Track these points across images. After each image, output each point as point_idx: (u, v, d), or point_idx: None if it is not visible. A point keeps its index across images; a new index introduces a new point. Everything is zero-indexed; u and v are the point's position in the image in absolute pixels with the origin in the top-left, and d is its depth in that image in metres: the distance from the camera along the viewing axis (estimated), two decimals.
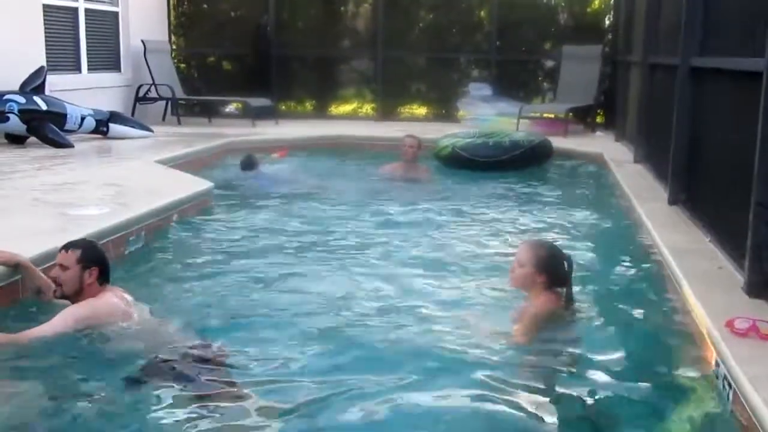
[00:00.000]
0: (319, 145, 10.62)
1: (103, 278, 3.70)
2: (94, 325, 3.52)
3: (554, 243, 4.06)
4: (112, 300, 3.65)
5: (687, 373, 3.27)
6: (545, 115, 12.07)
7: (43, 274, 3.91)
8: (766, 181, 3.60)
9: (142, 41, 11.83)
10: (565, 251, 3.91)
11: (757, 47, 3.74)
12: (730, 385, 2.87)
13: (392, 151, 8.85)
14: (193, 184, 6.72)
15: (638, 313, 4.01)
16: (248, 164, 8.27)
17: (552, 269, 3.73)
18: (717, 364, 3.07)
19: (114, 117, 9.86)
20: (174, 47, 13.48)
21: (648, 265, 4.79)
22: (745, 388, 2.71)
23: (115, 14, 11.94)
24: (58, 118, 8.96)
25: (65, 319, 3.50)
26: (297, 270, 4.90)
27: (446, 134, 9.52)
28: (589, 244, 5.53)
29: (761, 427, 2.50)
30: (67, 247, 3.70)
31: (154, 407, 2.93)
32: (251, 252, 5.38)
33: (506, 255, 5.15)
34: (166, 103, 12.21)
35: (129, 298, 3.75)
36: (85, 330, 3.49)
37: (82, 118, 9.31)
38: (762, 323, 3.15)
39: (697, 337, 3.48)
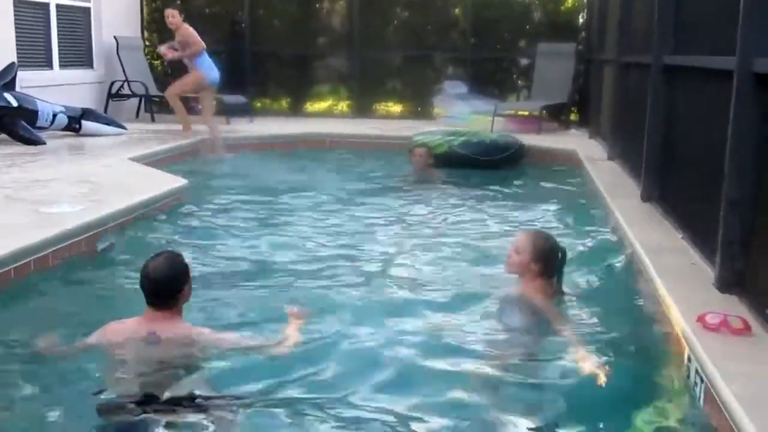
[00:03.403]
0: (299, 143, 10.58)
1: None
2: None
3: (551, 234, 4.16)
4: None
5: (659, 368, 3.30)
6: (520, 112, 12.13)
7: None
8: (737, 177, 3.64)
9: (115, 37, 11.72)
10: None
11: (729, 46, 3.78)
12: (701, 380, 2.90)
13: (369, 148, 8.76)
14: (168, 182, 6.67)
15: (610, 309, 4.03)
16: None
17: (547, 259, 3.87)
18: (689, 359, 3.11)
19: (86, 114, 9.75)
20: (147, 44, 13.36)
21: (620, 262, 4.82)
22: (716, 383, 2.74)
23: (87, 10, 11.82)
24: (30, 114, 8.85)
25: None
26: (288, 270, 4.89)
27: (418, 132, 9.49)
28: (562, 241, 5.53)
29: (732, 422, 2.54)
30: None
31: None
32: (226, 248, 5.35)
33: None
34: (140, 100, 12.09)
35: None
36: None
37: (54, 115, 9.20)
38: (732, 318, 3.20)
39: (669, 332, 3.51)
